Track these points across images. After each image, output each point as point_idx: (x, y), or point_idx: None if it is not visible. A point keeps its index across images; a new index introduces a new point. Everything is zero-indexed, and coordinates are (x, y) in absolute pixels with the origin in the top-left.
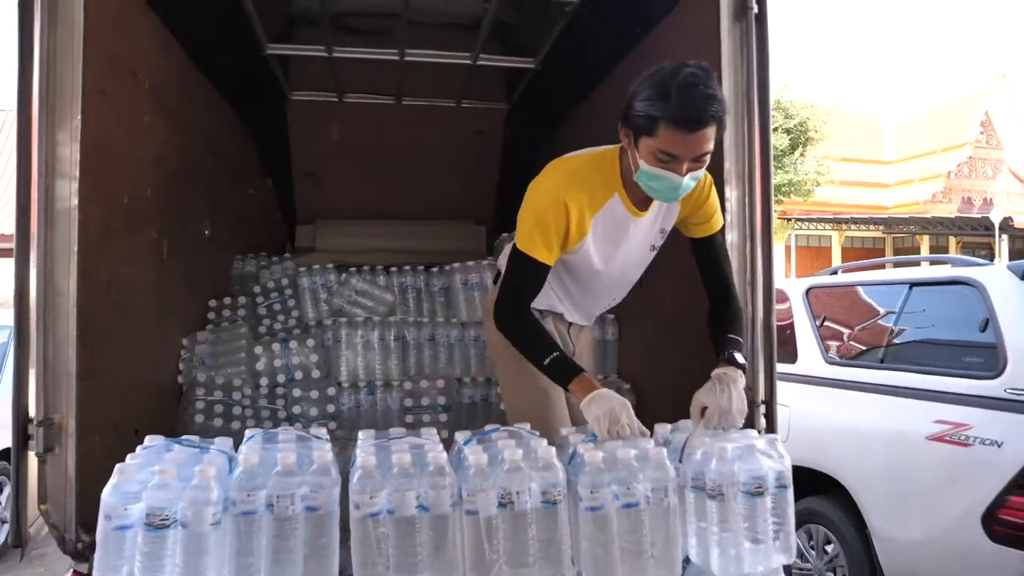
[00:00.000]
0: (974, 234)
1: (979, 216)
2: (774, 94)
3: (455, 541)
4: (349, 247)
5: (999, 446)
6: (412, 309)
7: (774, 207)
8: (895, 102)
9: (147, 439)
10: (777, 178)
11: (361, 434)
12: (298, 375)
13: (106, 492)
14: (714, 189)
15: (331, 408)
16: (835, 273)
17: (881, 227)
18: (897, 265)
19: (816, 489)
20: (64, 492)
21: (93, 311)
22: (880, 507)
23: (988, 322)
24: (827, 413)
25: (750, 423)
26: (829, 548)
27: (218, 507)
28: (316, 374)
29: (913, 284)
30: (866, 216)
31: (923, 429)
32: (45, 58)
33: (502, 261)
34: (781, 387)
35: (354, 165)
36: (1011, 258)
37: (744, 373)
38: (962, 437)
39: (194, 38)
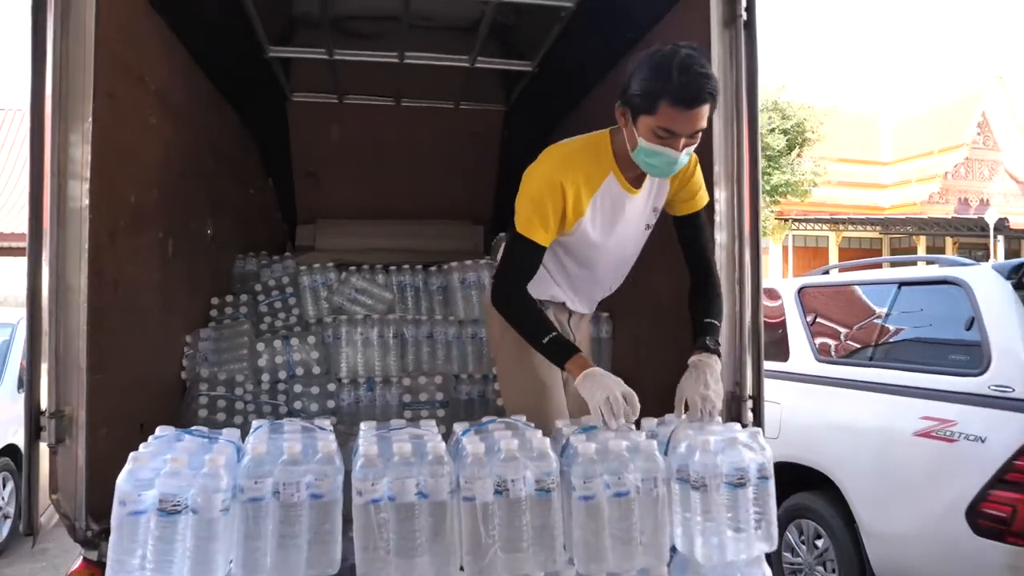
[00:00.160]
0: (970, 235)
1: (975, 217)
2: (771, 95)
3: (453, 527)
4: (349, 246)
5: (983, 442)
6: (411, 307)
7: (772, 208)
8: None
9: (158, 429)
10: (774, 179)
11: (363, 425)
12: (299, 371)
13: (121, 479)
14: (699, 166)
15: (331, 404)
16: (827, 273)
17: (878, 228)
18: (893, 264)
19: (806, 485)
20: (75, 482)
21: (102, 308)
22: (868, 502)
23: (973, 321)
24: (817, 410)
25: (737, 418)
26: (819, 543)
27: (227, 494)
28: (316, 370)
29: (902, 284)
30: (863, 217)
31: (910, 425)
32: (58, 63)
33: None
34: (773, 385)
35: (354, 165)
36: (1007, 259)
37: (719, 357)
38: (947, 433)
39: (198, 41)
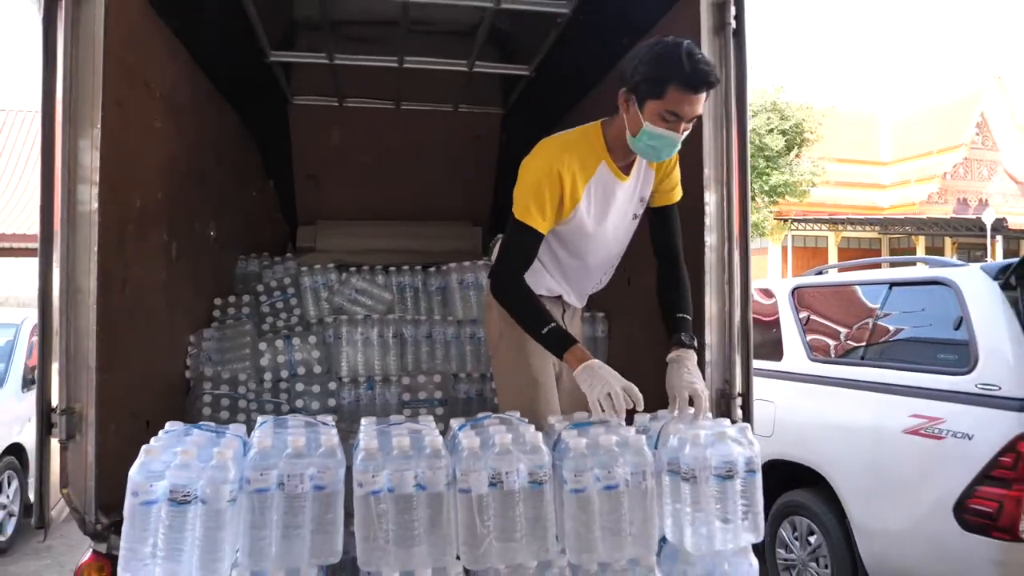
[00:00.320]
0: (969, 235)
1: (973, 217)
2: (770, 95)
3: (449, 517)
4: (349, 247)
5: (970, 439)
6: (410, 307)
7: (770, 208)
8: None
9: (168, 424)
10: (772, 179)
11: (364, 420)
12: (300, 370)
13: (133, 471)
14: (679, 164)
15: (332, 402)
16: (820, 273)
17: (877, 228)
18: (892, 265)
19: (800, 482)
20: (85, 477)
21: (110, 308)
22: (859, 499)
23: (962, 320)
24: (810, 409)
25: (727, 414)
26: (812, 539)
27: (234, 485)
28: (318, 369)
29: (893, 284)
30: (862, 217)
31: (900, 423)
32: (68, 70)
33: None
34: (768, 384)
35: (354, 168)
36: (1005, 259)
37: (696, 352)
38: (936, 430)
39: (201, 47)
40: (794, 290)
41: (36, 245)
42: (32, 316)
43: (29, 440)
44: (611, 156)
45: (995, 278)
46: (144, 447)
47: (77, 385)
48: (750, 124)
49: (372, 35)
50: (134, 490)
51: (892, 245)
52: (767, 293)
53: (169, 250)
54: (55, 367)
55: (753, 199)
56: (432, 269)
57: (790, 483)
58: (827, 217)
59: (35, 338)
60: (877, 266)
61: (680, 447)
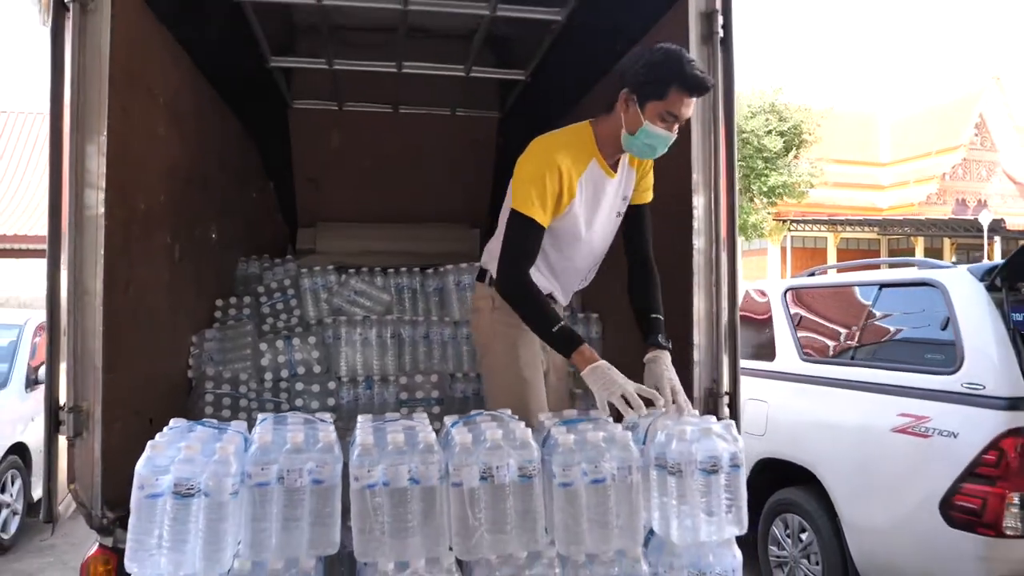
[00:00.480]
0: (967, 235)
1: (972, 218)
2: (768, 97)
3: (442, 510)
4: (348, 249)
5: (955, 437)
6: (408, 308)
7: (769, 210)
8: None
9: (172, 421)
10: (771, 180)
11: (360, 418)
12: (300, 370)
13: (139, 465)
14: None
15: (331, 401)
16: (812, 275)
17: (876, 229)
18: (892, 266)
19: (792, 481)
20: (91, 473)
21: (115, 309)
22: (849, 496)
23: (949, 321)
24: (802, 408)
25: (714, 412)
26: (804, 536)
27: (236, 479)
28: (317, 369)
29: (883, 285)
30: (860, 218)
31: (888, 422)
32: (75, 80)
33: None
34: (760, 384)
35: (353, 170)
36: (1004, 259)
37: (670, 352)
38: (922, 429)
39: (203, 53)
40: (786, 291)
41: (37, 246)
42: (35, 317)
43: (32, 439)
44: (601, 153)
45: (981, 279)
46: (150, 443)
47: (84, 384)
48: (748, 125)
49: (371, 41)
50: (140, 484)
51: (891, 246)
52: (761, 294)
53: (172, 252)
54: (63, 366)
55: (751, 200)
56: (430, 271)
57: (783, 482)
58: (826, 218)
59: (38, 339)
60: (876, 267)
61: (667, 442)
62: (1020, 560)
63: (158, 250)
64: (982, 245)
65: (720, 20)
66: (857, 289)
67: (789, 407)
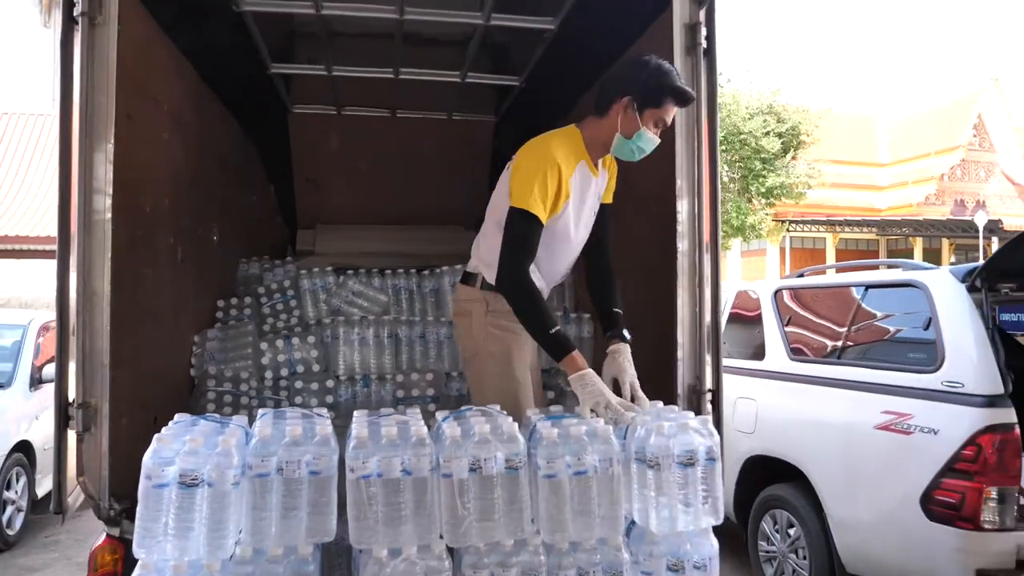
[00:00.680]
0: (965, 236)
1: (970, 219)
2: (767, 98)
3: (433, 500)
4: (347, 250)
5: (935, 433)
6: (405, 309)
7: (767, 210)
8: (889, 105)
9: (176, 416)
10: (769, 181)
11: (356, 413)
12: (300, 369)
13: (146, 457)
14: None
15: (330, 399)
16: (802, 275)
17: (874, 229)
18: (890, 267)
19: (781, 477)
20: (99, 466)
21: (122, 310)
22: (834, 492)
23: (931, 321)
24: (790, 407)
25: (697, 409)
26: (792, 531)
27: (237, 470)
28: (316, 368)
29: (869, 286)
30: (858, 219)
31: (872, 419)
32: (84, 89)
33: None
34: (750, 382)
35: (352, 174)
36: None
37: (629, 344)
38: (904, 426)
39: (206, 61)
40: (776, 292)
41: (38, 247)
42: (38, 317)
43: (36, 437)
44: (588, 154)
45: (962, 280)
46: (156, 436)
47: (92, 381)
48: (747, 126)
49: (368, 47)
50: (147, 474)
51: (890, 247)
52: (752, 294)
53: (175, 254)
54: (72, 364)
55: (749, 201)
56: (426, 272)
57: (772, 478)
58: (824, 219)
59: (41, 339)
60: (875, 267)
61: (646, 437)
62: (997, 553)
63: (162, 252)
64: (978, 245)
65: (703, 32)
66: (844, 290)
67: (778, 405)
